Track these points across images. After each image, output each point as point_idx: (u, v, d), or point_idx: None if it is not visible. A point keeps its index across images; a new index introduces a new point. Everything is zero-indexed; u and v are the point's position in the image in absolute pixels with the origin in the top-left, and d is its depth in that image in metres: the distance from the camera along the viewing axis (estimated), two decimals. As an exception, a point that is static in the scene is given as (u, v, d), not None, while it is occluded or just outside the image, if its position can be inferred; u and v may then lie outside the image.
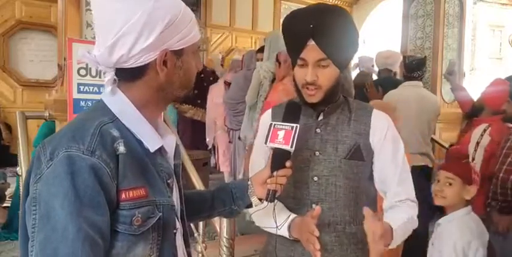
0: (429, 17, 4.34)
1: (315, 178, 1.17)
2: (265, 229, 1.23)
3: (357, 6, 8.47)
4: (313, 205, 1.17)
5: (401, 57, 3.74)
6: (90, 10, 2.60)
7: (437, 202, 1.85)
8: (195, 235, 2.23)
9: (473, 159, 2.43)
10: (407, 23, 4.53)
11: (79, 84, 2.32)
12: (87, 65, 2.32)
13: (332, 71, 1.14)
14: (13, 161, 3.21)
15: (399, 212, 1.16)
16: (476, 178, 1.83)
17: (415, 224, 1.18)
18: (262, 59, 3.77)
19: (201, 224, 2.27)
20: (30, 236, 0.73)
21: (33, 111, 3.64)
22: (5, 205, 3.99)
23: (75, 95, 2.32)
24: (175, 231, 0.89)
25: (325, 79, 1.13)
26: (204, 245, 2.19)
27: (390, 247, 1.10)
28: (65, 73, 2.48)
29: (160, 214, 0.81)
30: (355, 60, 6.45)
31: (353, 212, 1.19)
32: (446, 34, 4.32)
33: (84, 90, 2.34)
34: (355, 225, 1.19)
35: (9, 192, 4.14)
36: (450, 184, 1.80)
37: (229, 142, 4.27)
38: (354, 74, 4.60)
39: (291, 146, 1.03)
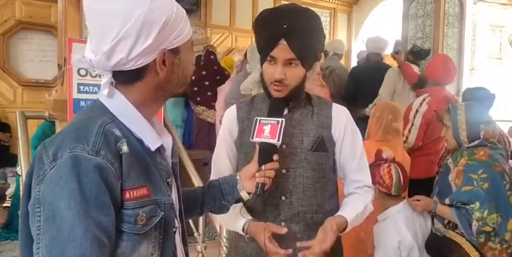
0: (429, 17, 4.33)
1: (283, 171, 1.22)
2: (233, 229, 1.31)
3: (357, 6, 8.46)
4: (282, 197, 1.23)
5: (387, 44, 4.10)
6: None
7: None
8: (195, 235, 2.23)
9: (412, 124, 2.74)
10: (407, 23, 4.52)
11: (79, 84, 2.32)
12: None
13: (299, 70, 1.19)
14: (13, 161, 3.21)
15: (356, 201, 1.26)
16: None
17: (369, 209, 1.29)
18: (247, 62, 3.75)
19: (201, 224, 2.27)
20: (35, 238, 0.71)
21: (33, 111, 3.62)
22: (5, 205, 3.99)
23: (75, 95, 2.32)
24: (174, 230, 0.89)
25: (292, 78, 1.18)
26: (204, 245, 2.19)
27: (346, 231, 1.21)
28: (64, 73, 2.48)
29: (163, 213, 0.82)
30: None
31: (319, 202, 1.25)
32: (446, 34, 4.31)
33: (84, 90, 2.34)
34: (321, 213, 1.25)
35: (9, 192, 4.15)
36: None
37: None
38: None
39: (278, 140, 1.08)
